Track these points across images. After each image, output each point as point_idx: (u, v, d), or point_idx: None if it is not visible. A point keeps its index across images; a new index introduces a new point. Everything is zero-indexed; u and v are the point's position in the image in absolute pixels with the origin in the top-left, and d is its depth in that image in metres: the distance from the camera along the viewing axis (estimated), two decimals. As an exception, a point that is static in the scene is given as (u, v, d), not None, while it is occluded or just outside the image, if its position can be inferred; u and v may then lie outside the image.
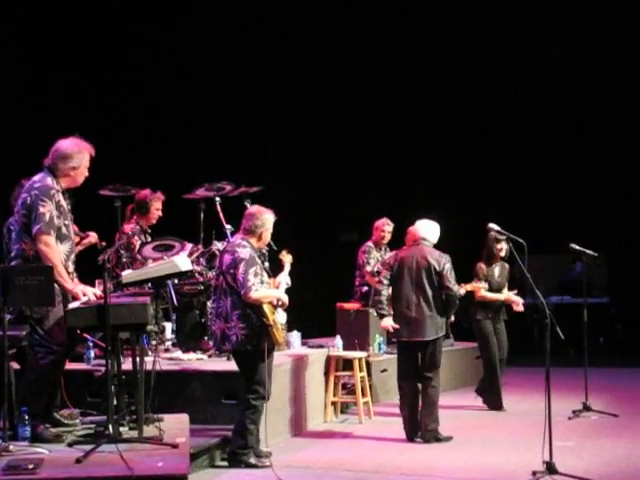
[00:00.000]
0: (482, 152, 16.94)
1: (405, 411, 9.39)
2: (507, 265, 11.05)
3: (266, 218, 8.13)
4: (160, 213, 10.37)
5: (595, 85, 16.63)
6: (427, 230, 9.46)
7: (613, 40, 16.37)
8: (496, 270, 10.94)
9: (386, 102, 16.94)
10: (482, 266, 10.88)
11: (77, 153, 7.15)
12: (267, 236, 8.20)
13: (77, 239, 8.05)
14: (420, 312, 9.19)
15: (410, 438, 9.28)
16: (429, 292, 9.18)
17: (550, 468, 7.34)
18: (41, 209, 6.91)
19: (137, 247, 9.93)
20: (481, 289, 10.65)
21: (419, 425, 9.29)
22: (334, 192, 16.49)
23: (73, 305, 6.91)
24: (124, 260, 9.87)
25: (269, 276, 8.28)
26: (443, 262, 9.21)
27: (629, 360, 15.29)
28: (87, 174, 7.26)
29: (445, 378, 12.33)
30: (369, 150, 16.81)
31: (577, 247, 10.67)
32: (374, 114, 16.89)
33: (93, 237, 8.62)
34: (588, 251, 10.86)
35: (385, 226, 11.93)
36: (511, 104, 16.81)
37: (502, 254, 10.84)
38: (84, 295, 6.94)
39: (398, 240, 11.02)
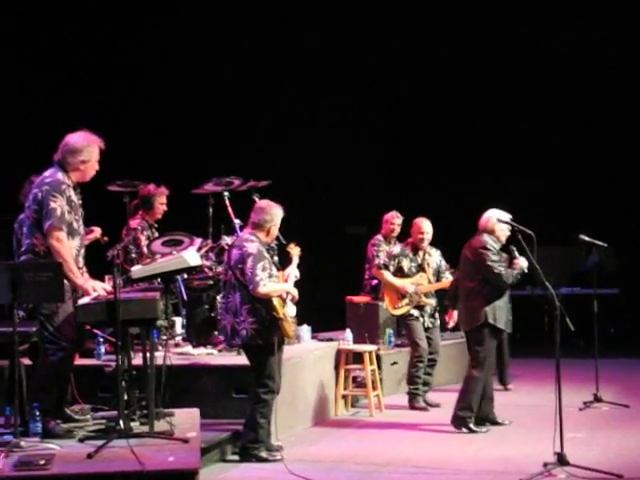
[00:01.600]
0: (492, 142, 16.85)
1: None
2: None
3: (275, 213, 8.14)
4: (165, 208, 10.36)
5: (603, 78, 16.55)
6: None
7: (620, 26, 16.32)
8: None
9: (395, 95, 16.90)
10: None
11: (87, 147, 7.14)
12: (275, 231, 8.20)
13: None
14: None
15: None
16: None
17: (561, 459, 7.34)
18: (52, 204, 6.90)
19: (143, 243, 9.92)
20: None
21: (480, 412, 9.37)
22: (343, 185, 16.46)
23: (83, 301, 6.92)
24: (133, 256, 9.87)
25: (278, 269, 8.30)
26: None
27: (638, 350, 15.26)
28: (97, 168, 7.26)
29: (454, 370, 12.37)
30: (378, 143, 16.75)
31: (587, 238, 10.66)
32: (383, 107, 16.83)
33: (97, 232, 8.63)
34: (598, 242, 10.84)
35: (394, 219, 11.93)
36: (520, 94, 16.72)
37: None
38: (94, 291, 6.94)
39: (407, 233, 11.07)
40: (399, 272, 10.74)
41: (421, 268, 10.76)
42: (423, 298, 10.68)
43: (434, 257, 10.86)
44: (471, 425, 9.20)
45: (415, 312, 10.72)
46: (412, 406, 10.64)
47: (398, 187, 16.18)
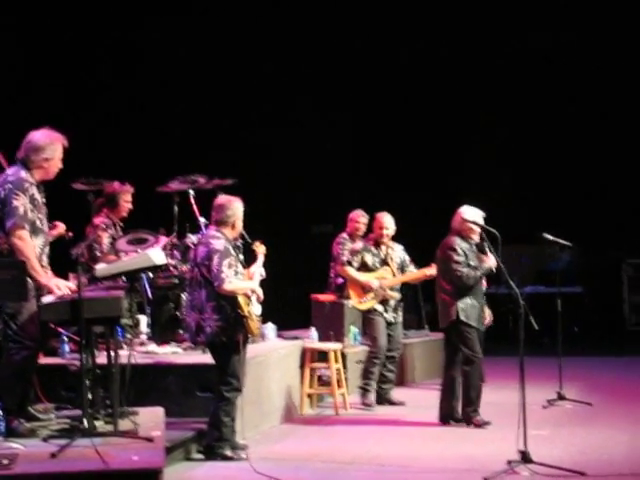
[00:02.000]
0: (458, 142, 16.99)
1: None
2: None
3: (236, 206, 8.14)
4: (130, 206, 10.28)
5: (574, 78, 16.74)
6: None
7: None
8: None
9: (361, 94, 16.92)
10: None
11: (49, 144, 7.09)
12: (239, 225, 8.20)
13: (45, 230, 7.99)
14: None
15: None
16: None
17: (525, 457, 7.39)
18: (15, 202, 6.85)
19: (104, 241, 9.85)
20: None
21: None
22: (308, 184, 16.48)
23: (47, 299, 6.88)
24: (97, 254, 9.80)
25: (243, 267, 8.27)
26: None
27: (603, 349, 15.38)
28: (61, 166, 7.21)
29: (421, 368, 12.45)
30: (343, 141, 16.80)
31: (550, 237, 10.71)
32: (348, 105, 16.87)
33: (61, 228, 8.56)
34: (561, 241, 10.91)
35: (360, 218, 11.91)
36: (488, 93, 16.89)
37: None
38: (58, 289, 6.89)
39: (372, 231, 11.09)
40: (364, 267, 10.79)
41: (385, 262, 10.81)
42: (388, 291, 10.72)
43: (397, 251, 10.93)
44: (477, 418, 9.30)
45: (379, 307, 10.76)
46: (363, 402, 10.68)
47: (364, 186, 16.20)
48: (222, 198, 8.29)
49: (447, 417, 9.46)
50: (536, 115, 16.94)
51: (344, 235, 11.84)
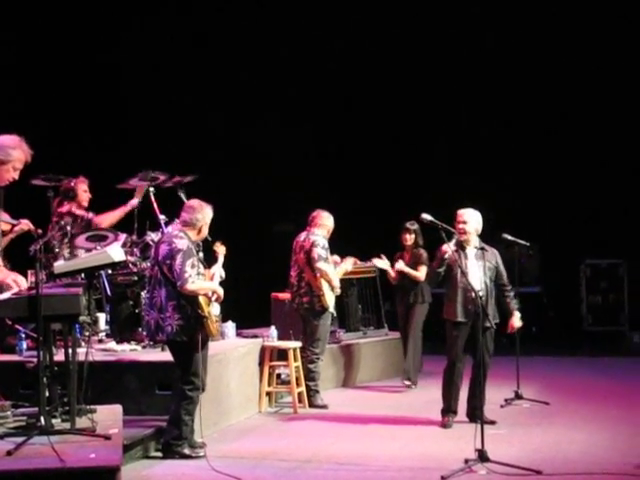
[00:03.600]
0: (418, 140, 17.10)
1: None
2: (421, 251, 11.81)
3: (207, 212, 8.12)
4: (89, 195, 10.21)
5: (535, 79, 16.85)
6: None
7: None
8: (407, 257, 11.91)
9: (321, 91, 17.00)
10: (397, 256, 11.98)
11: (6, 147, 6.93)
12: (205, 231, 8.18)
13: (9, 227, 7.96)
14: None
15: None
16: None
17: (482, 456, 7.43)
18: (-33, 201, 6.79)
19: (57, 237, 9.80)
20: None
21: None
22: (269, 182, 16.50)
23: (4, 296, 6.78)
24: (56, 250, 9.76)
25: (204, 268, 8.26)
26: None
27: (560, 349, 15.49)
28: (15, 177, 6.97)
29: (380, 367, 12.50)
30: (303, 138, 16.84)
31: (509, 237, 10.78)
32: (308, 102, 16.93)
33: (25, 224, 8.47)
34: (520, 241, 10.98)
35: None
36: (447, 96, 16.95)
37: (407, 243, 11.89)
38: (16, 285, 6.83)
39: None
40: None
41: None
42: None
43: None
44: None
45: (332, 308, 10.86)
46: (311, 403, 10.68)
47: (325, 183, 16.28)
48: (195, 201, 8.24)
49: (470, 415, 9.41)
50: (496, 115, 17.06)
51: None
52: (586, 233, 16.81)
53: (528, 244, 11.22)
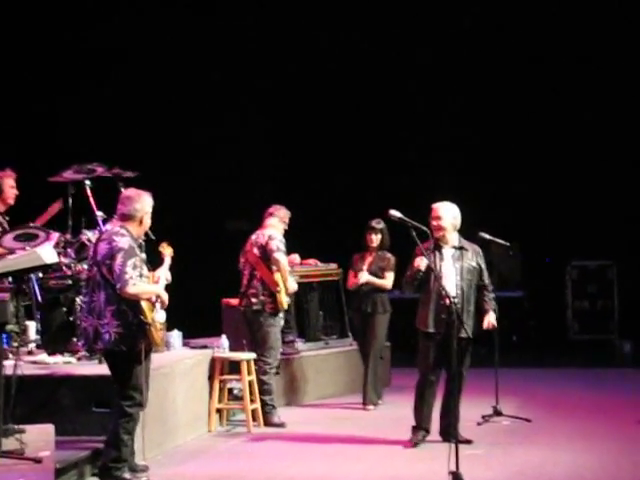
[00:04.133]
0: (386, 130, 17.29)
1: None
2: (388, 255, 11.66)
3: (145, 201, 8.04)
4: (16, 191, 10.05)
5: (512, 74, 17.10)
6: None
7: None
8: (369, 260, 11.68)
9: (274, 85, 17.21)
10: (355, 257, 11.82)
11: None
12: (148, 221, 8.10)
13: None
14: None
15: None
16: None
17: (457, 478, 7.41)
18: None
19: None
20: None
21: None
22: (220, 177, 16.56)
23: None
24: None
25: (148, 270, 8.19)
26: None
27: (543, 360, 15.61)
28: None
29: (343, 381, 12.52)
30: (257, 132, 17.05)
31: (487, 236, 10.79)
32: (262, 96, 17.16)
33: None
34: (499, 240, 11.00)
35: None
36: (417, 89, 17.24)
37: (373, 244, 11.62)
38: None
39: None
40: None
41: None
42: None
43: None
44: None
45: (282, 312, 10.87)
46: (267, 422, 10.65)
47: (279, 179, 16.37)
48: (130, 190, 8.18)
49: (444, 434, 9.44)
50: (474, 110, 17.27)
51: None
52: (572, 231, 16.97)
53: (508, 243, 11.24)
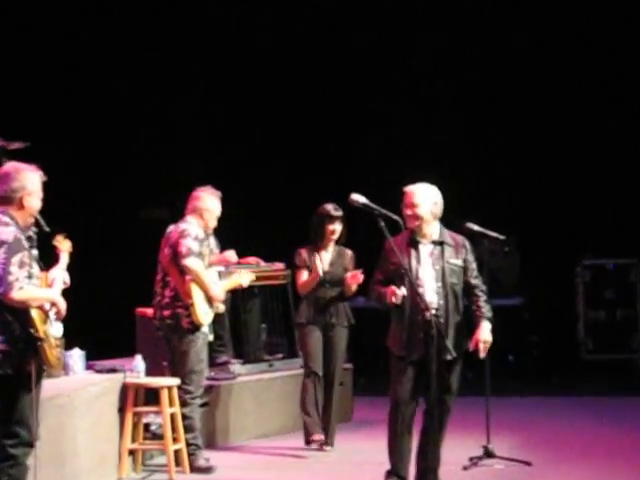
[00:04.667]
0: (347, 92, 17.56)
1: None
2: (348, 251, 11.73)
3: (27, 178, 7.94)
4: None
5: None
6: None
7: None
8: (327, 257, 11.62)
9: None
10: (301, 252, 11.65)
11: None
12: (33, 202, 7.97)
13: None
14: None
15: None
16: None
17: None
18: None
19: None
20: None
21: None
22: (133, 154, 16.72)
23: None
24: None
25: (40, 270, 8.12)
26: None
27: (548, 385, 15.68)
28: None
29: (292, 414, 12.49)
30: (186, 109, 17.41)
31: (476, 227, 10.80)
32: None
33: None
34: (491, 233, 11.01)
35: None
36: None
37: (333, 236, 11.61)
38: None
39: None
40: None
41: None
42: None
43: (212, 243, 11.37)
44: None
45: (206, 327, 10.84)
46: (193, 466, 10.67)
47: (214, 156, 16.67)
48: (8, 166, 8.11)
49: None
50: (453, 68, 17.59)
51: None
52: (585, 223, 17.06)
53: (503, 237, 11.27)
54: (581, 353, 17.59)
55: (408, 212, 9.08)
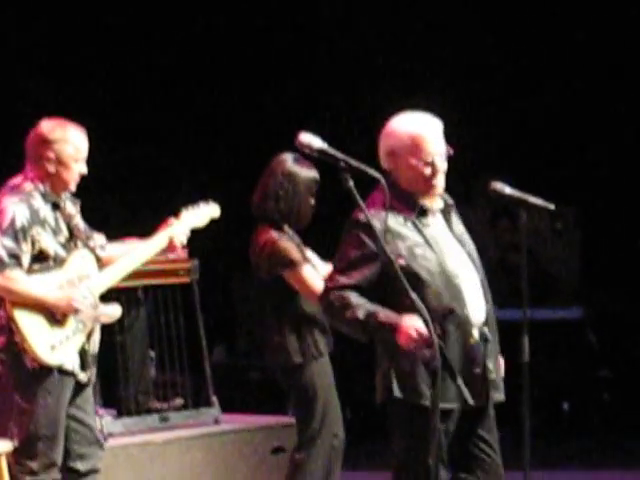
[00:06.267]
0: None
1: None
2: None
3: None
4: None
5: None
6: None
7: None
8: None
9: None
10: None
11: None
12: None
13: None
14: None
15: None
16: None
17: None
18: None
19: None
20: None
21: None
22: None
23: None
24: None
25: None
26: None
27: (620, 451, 15.63)
28: None
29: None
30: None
31: (508, 189, 10.59)
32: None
33: None
34: (534, 199, 10.79)
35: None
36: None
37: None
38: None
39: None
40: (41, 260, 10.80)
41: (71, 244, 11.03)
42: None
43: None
44: None
45: (70, 361, 10.66)
46: None
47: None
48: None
49: None
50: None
51: None
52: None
53: (552, 206, 11.05)
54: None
55: (431, 166, 8.87)
